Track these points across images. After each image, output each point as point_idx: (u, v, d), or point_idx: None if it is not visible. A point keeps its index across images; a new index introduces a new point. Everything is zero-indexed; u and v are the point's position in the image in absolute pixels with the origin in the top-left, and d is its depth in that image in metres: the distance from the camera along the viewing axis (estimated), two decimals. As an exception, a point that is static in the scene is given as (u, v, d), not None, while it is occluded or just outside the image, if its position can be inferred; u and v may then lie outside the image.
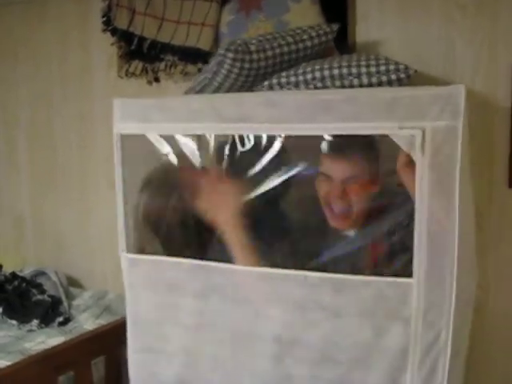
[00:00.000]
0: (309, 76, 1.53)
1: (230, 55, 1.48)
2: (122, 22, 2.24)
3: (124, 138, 1.64)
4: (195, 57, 2.07)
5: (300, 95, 1.46)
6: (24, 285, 2.32)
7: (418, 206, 1.28)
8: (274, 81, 1.59)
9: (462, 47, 1.74)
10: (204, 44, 2.03)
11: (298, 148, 1.55)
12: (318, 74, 1.52)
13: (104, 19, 2.28)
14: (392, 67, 1.48)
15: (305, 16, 1.80)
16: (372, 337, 1.38)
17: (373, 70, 1.49)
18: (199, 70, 2.07)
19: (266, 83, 1.60)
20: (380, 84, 1.49)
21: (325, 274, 1.42)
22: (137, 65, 2.24)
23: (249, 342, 1.52)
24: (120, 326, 1.94)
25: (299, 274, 1.44)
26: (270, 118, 1.40)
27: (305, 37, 1.60)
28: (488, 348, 1.80)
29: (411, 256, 1.30)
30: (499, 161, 1.73)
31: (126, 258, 1.68)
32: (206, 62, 2.04)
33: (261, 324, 1.50)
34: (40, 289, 2.30)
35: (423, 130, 1.25)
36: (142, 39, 2.20)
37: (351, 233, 1.58)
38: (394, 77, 1.48)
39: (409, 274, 1.31)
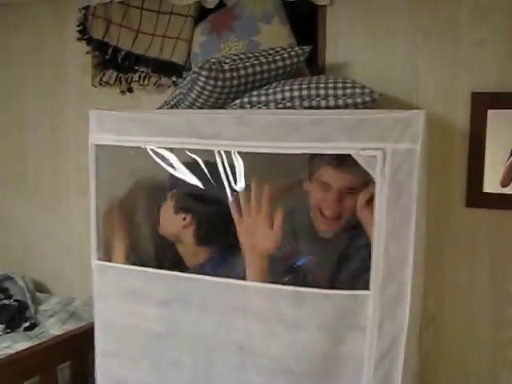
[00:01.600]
0: (279, 96, 1.59)
1: (204, 73, 1.54)
2: (97, 32, 2.28)
3: (99, 148, 1.68)
4: (169, 70, 2.11)
5: (269, 115, 1.51)
6: (-10, 289, 2.32)
7: (376, 223, 1.35)
8: (245, 99, 1.64)
9: (424, 71, 1.83)
10: (178, 58, 2.08)
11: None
12: (287, 94, 1.58)
13: (80, 28, 2.32)
14: (358, 91, 1.55)
15: (276, 37, 1.86)
16: (330, 347, 1.44)
17: (339, 92, 1.56)
18: (173, 83, 2.13)
19: (238, 101, 1.65)
20: (346, 106, 1.55)
21: (285, 286, 1.48)
22: (111, 74, 2.28)
23: (211, 349, 1.57)
24: (86, 331, 1.98)
25: (261, 286, 1.51)
26: (241, 135, 1.46)
27: (277, 57, 1.66)
28: (442, 358, 1.88)
29: (369, 270, 1.37)
30: (457, 181, 1.81)
31: (95, 264, 1.72)
32: (179, 75, 2.11)
33: (223, 333, 1.55)
34: (6, 293, 2.31)
35: (384, 151, 1.33)
36: (116, 49, 2.25)
37: (329, 235, 1.63)
38: (359, 100, 1.55)
39: (366, 287, 1.38)
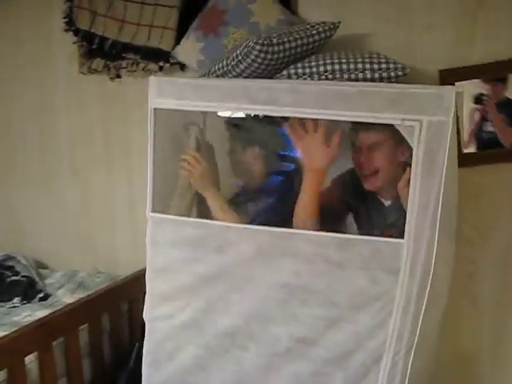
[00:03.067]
0: (321, 68, 1.76)
1: (258, 47, 1.70)
2: (83, 23, 2.45)
3: (158, 111, 1.81)
4: (157, 56, 2.32)
5: (320, 85, 1.69)
6: (-4, 268, 2.49)
7: (412, 184, 1.58)
8: (292, 71, 1.79)
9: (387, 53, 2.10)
10: (166, 45, 2.29)
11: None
12: (329, 67, 1.75)
13: (66, 20, 2.48)
14: (392, 65, 1.73)
15: (269, 11, 2.05)
16: (368, 285, 1.69)
17: (375, 66, 1.72)
18: (160, 68, 2.34)
19: (285, 72, 1.80)
20: (381, 79, 1.72)
21: (332, 234, 1.71)
22: (98, 62, 2.47)
23: (259, 288, 1.79)
24: (99, 296, 2.22)
25: (311, 233, 1.74)
26: (294, 102, 1.65)
27: (314, 31, 1.83)
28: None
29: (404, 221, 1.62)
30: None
31: (151, 216, 1.87)
32: (167, 60, 2.31)
33: (272, 274, 1.77)
34: (13, 271, 2.49)
35: (421, 122, 1.55)
36: (103, 39, 2.43)
37: (387, 202, 1.88)
38: (393, 74, 1.72)
39: (401, 236, 1.63)
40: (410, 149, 1.59)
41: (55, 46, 2.61)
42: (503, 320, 2.14)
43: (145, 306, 1.93)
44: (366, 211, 1.95)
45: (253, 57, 1.72)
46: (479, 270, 2.13)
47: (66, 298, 2.33)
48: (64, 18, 2.48)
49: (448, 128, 1.53)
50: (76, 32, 2.48)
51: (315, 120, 1.70)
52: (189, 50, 2.14)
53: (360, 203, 1.95)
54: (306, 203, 1.79)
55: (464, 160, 1.92)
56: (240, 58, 1.75)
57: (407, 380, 1.70)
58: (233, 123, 2.01)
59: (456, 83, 2.00)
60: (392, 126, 1.61)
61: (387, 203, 1.89)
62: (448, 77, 2.02)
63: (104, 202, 2.64)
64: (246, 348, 1.85)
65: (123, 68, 2.42)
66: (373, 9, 2.12)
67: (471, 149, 2.08)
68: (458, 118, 1.95)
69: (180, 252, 1.86)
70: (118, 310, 2.32)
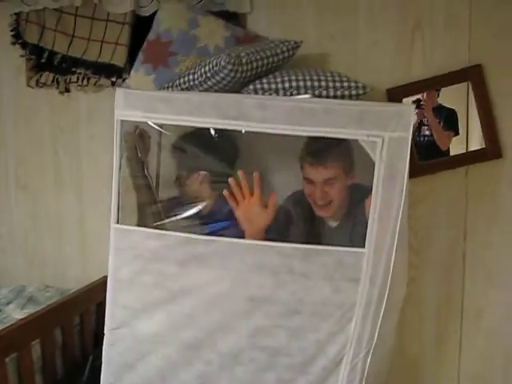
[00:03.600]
0: (286, 84, 1.85)
1: (229, 67, 1.77)
2: (31, 37, 2.46)
3: (124, 123, 1.80)
4: (109, 71, 2.35)
5: (288, 102, 1.75)
6: None
7: (373, 196, 1.67)
8: (258, 86, 1.87)
9: (333, 67, 2.22)
10: (118, 61, 2.32)
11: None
12: (294, 84, 1.84)
13: (13, 33, 2.47)
14: (353, 84, 1.84)
15: (215, 32, 2.10)
16: (330, 294, 1.76)
17: (338, 84, 1.84)
18: (112, 83, 2.37)
19: (251, 87, 1.88)
20: (342, 97, 1.84)
21: (297, 244, 1.78)
22: (47, 76, 2.47)
23: (223, 302, 1.83)
24: (52, 311, 2.21)
25: (277, 245, 1.78)
26: (263, 118, 1.69)
27: (279, 51, 1.93)
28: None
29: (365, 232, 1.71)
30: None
31: (115, 228, 1.85)
32: (119, 76, 2.34)
33: (236, 287, 1.81)
34: (-41, 288, 2.43)
35: (383, 138, 1.64)
36: (52, 53, 2.44)
37: (334, 224, 1.98)
38: (354, 92, 1.84)
39: (362, 245, 1.72)
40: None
41: (1, 59, 2.58)
42: (445, 322, 2.28)
43: (106, 317, 1.93)
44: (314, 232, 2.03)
45: (222, 75, 1.79)
46: (421, 275, 2.27)
47: (15, 313, 2.29)
48: (11, 30, 2.47)
49: (407, 143, 1.63)
50: (24, 45, 2.47)
51: (250, 185, 1.78)
52: (140, 81, 2.13)
53: (307, 224, 2.03)
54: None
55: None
56: (209, 74, 1.81)
57: (364, 381, 1.79)
58: (178, 147, 2.02)
59: (403, 99, 2.16)
60: (345, 155, 1.75)
61: (334, 224, 1.99)
62: (395, 95, 2.17)
63: (52, 216, 2.62)
64: (210, 361, 1.88)
65: (73, 82, 2.43)
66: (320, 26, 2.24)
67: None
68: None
69: (143, 264, 1.87)
70: (69, 323, 2.30)
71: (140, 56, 2.12)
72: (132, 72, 2.15)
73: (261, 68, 1.86)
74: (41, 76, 2.48)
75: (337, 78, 1.84)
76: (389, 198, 1.67)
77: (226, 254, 1.80)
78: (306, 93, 1.82)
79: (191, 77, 1.88)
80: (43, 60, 2.46)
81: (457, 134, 2.18)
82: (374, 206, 1.68)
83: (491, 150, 2.16)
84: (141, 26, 2.32)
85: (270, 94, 1.86)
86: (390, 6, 2.17)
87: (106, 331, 1.93)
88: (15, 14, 2.45)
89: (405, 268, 1.94)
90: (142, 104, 1.77)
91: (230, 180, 1.81)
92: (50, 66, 2.46)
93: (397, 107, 1.68)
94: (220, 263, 1.81)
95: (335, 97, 1.83)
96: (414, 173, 2.11)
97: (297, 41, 1.99)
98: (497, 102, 2.13)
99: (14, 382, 2.01)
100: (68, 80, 2.44)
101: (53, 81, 2.47)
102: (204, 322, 1.86)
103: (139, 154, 1.95)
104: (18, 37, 2.47)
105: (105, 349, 1.94)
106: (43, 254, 2.67)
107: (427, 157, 2.20)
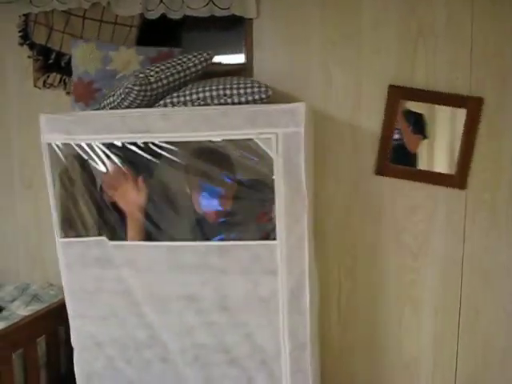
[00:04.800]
0: (194, 96, 1.95)
1: (136, 88, 1.87)
2: (39, 38, 2.49)
3: (50, 146, 1.97)
4: (115, 72, 2.39)
5: (187, 111, 1.88)
6: None
7: (276, 189, 1.80)
8: (168, 100, 1.97)
9: (335, 73, 2.29)
10: (125, 62, 2.36)
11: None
12: (201, 95, 1.94)
13: (21, 34, 2.50)
14: (256, 89, 1.93)
15: (127, 62, 2.19)
16: (251, 288, 1.87)
17: (242, 91, 1.93)
18: (117, 83, 2.41)
19: (161, 102, 1.98)
20: (247, 102, 1.93)
21: (212, 242, 1.92)
22: (55, 77, 2.50)
23: (159, 302, 1.95)
24: (57, 309, 2.24)
25: (192, 244, 1.92)
26: (166, 128, 1.85)
27: (190, 64, 2.01)
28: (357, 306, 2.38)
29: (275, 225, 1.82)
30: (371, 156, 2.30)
31: (61, 242, 2.03)
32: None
33: (166, 287, 1.93)
34: (-36, 286, 2.45)
35: (277, 134, 1.78)
36: (60, 54, 2.48)
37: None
38: (257, 97, 1.92)
39: (274, 238, 1.83)
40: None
41: (8, 59, 2.61)
42: (442, 324, 2.32)
43: (70, 330, 2.05)
44: None
45: (133, 95, 1.90)
46: (420, 279, 2.32)
47: (20, 310, 2.33)
48: (19, 31, 2.50)
49: (301, 137, 1.77)
50: (31, 46, 2.51)
51: (124, 172, 1.97)
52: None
53: None
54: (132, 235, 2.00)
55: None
56: (123, 96, 1.92)
57: (310, 374, 1.89)
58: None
59: (401, 100, 2.23)
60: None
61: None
62: (395, 94, 2.23)
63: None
64: (165, 359, 2.01)
65: (72, 79, 2.46)
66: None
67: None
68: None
69: (90, 271, 1.99)
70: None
71: (72, 97, 2.25)
72: (71, 110, 2.27)
73: (173, 83, 1.97)
74: (48, 77, 2.51)
75: (241, 85, 1.93)
76: (291, 190, 1.79)
77: (150, 257, 1.94)
78: (212, 102, 1.93)
79: (111, 99, 2.00)
80: (51, 61, 2.49)
81: (425, 137, 2.25)
82: (279, 199, 1.80)
83: (458, 180, 2.23)
84: (148, 28, 2.38)
85: (179, 107, 1.95)
86: (393, 12, 2.22)
87: (72, 344, 2.06)
88: (24, 15, 2.50)
89: (314, 256, 2.03)
90: (62, 127, 1.92)
91: (110, 169, 1.96)
92: (58, 66, 2.50)
93: (288, 105, 1.80)
94: (147, 265, 1.94)
95: (240, 103, 1.92)
96: (385, 172, 2.29)
97: (209, 52, 2.05)
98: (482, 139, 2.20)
99: (20, 377, 2.06)
100: (75, 81, 2.47)
101: (60, 81, 2.51)
102: (150, 320, 1.98)
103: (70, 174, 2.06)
104: (26, 38, 2.51)
105: (75, 361, 2.07)
106: (46, 252, 2.68)
107: (397, 159, 2.28)
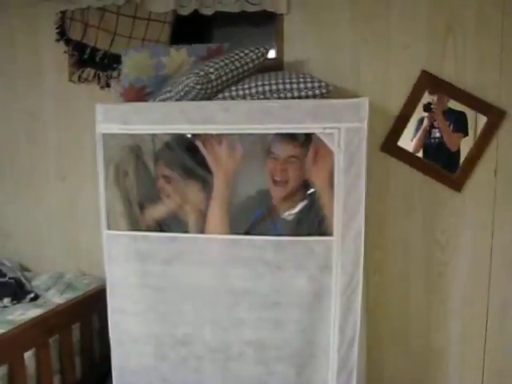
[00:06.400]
0: (253, 90, 1.97)
1: (198, 87, 1.90)
2: (75, 34, 2.56)
3: (105, 136, 2.00)
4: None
5: (248, 103, 1.92)
6: (-20, 271, 2.53)
7: (336, 184, 1.80)
8: (227, 93, 2.00)
9: (364, 69, 2.31)
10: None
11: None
12: (260, 89, 1.97)
13: (58, 30, 2.58)
14: (316, 84, 1.95)
15: (179, 65, 2.14)
16: (306, 283, 1.88)
17: (301, 86, 1.95)
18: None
19: (221, 96, 2.01)
20: (307, 97, 1.95)
21: (268, 237, 1.91)
22: (89, 72, 2.57)
23: (208, 296, 1.96)
24: (90, 296, 2.31)
25: (248, 238, 1.94)
26: (226, 120, 1.86)
27: (248, 60, 2.03)
28: (387, 296, 2.40)
29: (331, 221, 1.83)
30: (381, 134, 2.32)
31: (106, 234, 2.05)
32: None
33: (218, 281, 1.94)
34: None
35: (339, 129, 1.79)
36: (94, 50, 2.54)
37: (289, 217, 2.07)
38: (317, 92, 1.95)
39: (330, 234, 1.84)
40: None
41: (45, 55, 2.68)
42: (470, 317, 2.34)
43: (109, 322, 2.06)
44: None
45: (194, 93, 1.93)
46: (448, 271, 2.33)
47: (55, 298, 2.40)
48: (56, 28, 2.57)
49: (364, 133, 1.78)
50: (67, 42, 2.58)
51: (220, 136, 1.94)
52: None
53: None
54: (215, 210, 1.98)
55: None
56: (182, 93, 1.95)
57: (356, 367, 1.89)
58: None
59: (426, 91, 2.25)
60: (306, 144, 1.88)
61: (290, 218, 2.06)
62: (425, 82, 2.25)
63: (89, 206, 2.70)
64: (202, 357, 2.01)
65: (114, 78, 2.52)
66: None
67: (419, 154, 2.33)
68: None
69: (134, 266, 2.00)
70: (106, 310, 2.40)
71: (121, 99, 2.26)
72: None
73: (231, 79, 1.99)
74: (83, 72, 2.58)
75: (301, 80, 1.95)
76: (350, 186, 1.79)
77: (204, 250, 1.94)
78: (271, 96, 1.95)
79: (168, 95, 2.02)
80: (86, 56, 2.56)
81: (466, 135, 2.26)
82: (337, 194, 1.80)
83: (457, 182, 2.26)
84: (179, 24, 2.43)
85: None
86: (422, 9, 2.24)
87: (110, 337, 2.07)
88: (61, 12, 2.56)
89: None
90: (119, 117, 1.94)
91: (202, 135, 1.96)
92: (92, 62, 2.56)
93: (352, 100, 1.81)
94: (200, 259, 1.94)
95: (299, 98, 1.94)
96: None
97: (266, 47, 2.07)
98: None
99: (56, 363, 2.12)
100: (109, 75, 2.54)
101: (94, 76, 2.57)
102: (192, 317, 1.99)
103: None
104: (62, 34, 2.58)
105: (113, 354, 2.08)
106: (79, 242, 2.76)
107: (436, 158, 2.29)
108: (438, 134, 2.27)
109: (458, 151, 2.28)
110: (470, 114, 2.24)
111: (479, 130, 2.24)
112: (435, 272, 2.34)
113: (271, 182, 2.02)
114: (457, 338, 2.35)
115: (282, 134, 1.93)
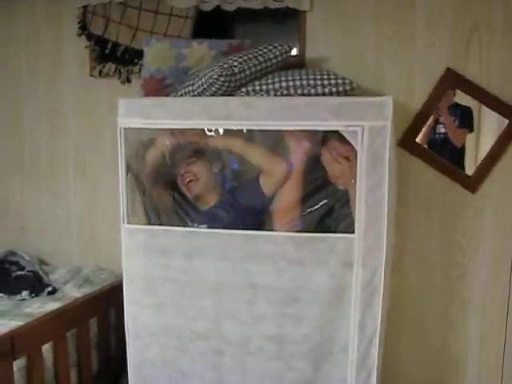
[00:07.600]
0: (277, 85, 1.97)
1: (222, 79, 1.89)
2: (97, 29, 2.56)
3: (127, 130, 2.01)
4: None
5: (270, 100, 1.91)
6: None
7: (358, 182, 1.80)
8: (250, 88, 1.99)
9: (388, 67, 2.28)
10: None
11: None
12: (284, 84, 1.96)
13: (80, 25, 2.58)
14: (340, 81, 1.94)
15: (200, 58, 2.15)
16: (326, 279, 1.88)
17: (325, 82, 1.94)
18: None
19: (244, 90, 2.00)
20: (330, 94, 1.94)
21: (289, 233, 1.92)
22: (110, 66, 2.57)
23: (227, 291, 1.96)
24: (108, 292, 2.31)
25: (269, 234, 1.94)
26: (249, 116, 1.86)
27: (271, 56, 2.02)
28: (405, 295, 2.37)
29: (353, 219, 1.83)
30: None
31: (125, 228, 2.06)
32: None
33: (238, 276, 1.94)
34: (18, 266, 2.54)
35: (363, 127, 1.78)
36: (116, 44, 2.54)
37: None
38: (341, 88, 1.94)
39: (352, 231, 1.84)
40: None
41: (66, 49, 2.69)
42: (490, 321, 2.31)
43: (125, 315, 2.07)
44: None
45: (217, 86, 1.92)
46: (467, 274, 2.30)
47: (73, 292, 2.40)
48: (78, 22, 2.58)
49: (388, 131, 1.76)
50: (89, 37, 2.58)
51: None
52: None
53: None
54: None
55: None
56: (205, 86, 1.94)
57: (376, 366, 1.88)
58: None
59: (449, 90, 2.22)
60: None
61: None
62: (449, 79, 2.21)
63: (108, 202, 2.71)
64: (221, 351, 2.01)
65: (135, 73, 2.52)
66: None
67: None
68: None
69: (152, 260, 2.01)
70: (123, 305, 2.41)
71: (141, 91, 2.25)
72: None
73: (254, 74, 1.98)
74: (104, 66, 2.58)
75: (325, 76, 1.94)
76: (373, 184, 1.78)
77: (224, 245, 1.94)
78: (295, 92, 1.93)
79: (190, 88, 2.02)
80: (107, 51, 2.56)
81: (471, 131, 2.24)
82: (359, 192, 1.79)
83: (473, 182, 2.24)
84: (201, 20, 2.42)
85: (262, 95, 1.96)
86: (447, 9, 2.21)
87: (126, 330, 2.07)
88: (83, 7, 2.57)
89: (393, 251, 2.01)
90: (141, 111, 1.95)
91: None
92: (113, 57, 2.56)
93: (376, 98, 1.80)
94: (221, 253, 1.94)
95: (323, 94, 1.92)
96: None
97: (290, 44, 2.06)
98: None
99: (73, 356, 2.12)
100: (130, 70, 2.54)
101: (115, 71, 2.57)
102: (211, 312, 1.99)
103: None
104: (84, 28, 2.59)
105: (129, 347, 2.09)
106: (98, 237, 2.77)
107: (441, 153, 2.27)
108: (443, 130, 2.25)
109: (463, 147, 2.26)
110: (475, 109, 2.22)
111: (484, 127, 2.23)
112: (453, 275, 2.31)
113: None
114: (475, 341, 2.33)
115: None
